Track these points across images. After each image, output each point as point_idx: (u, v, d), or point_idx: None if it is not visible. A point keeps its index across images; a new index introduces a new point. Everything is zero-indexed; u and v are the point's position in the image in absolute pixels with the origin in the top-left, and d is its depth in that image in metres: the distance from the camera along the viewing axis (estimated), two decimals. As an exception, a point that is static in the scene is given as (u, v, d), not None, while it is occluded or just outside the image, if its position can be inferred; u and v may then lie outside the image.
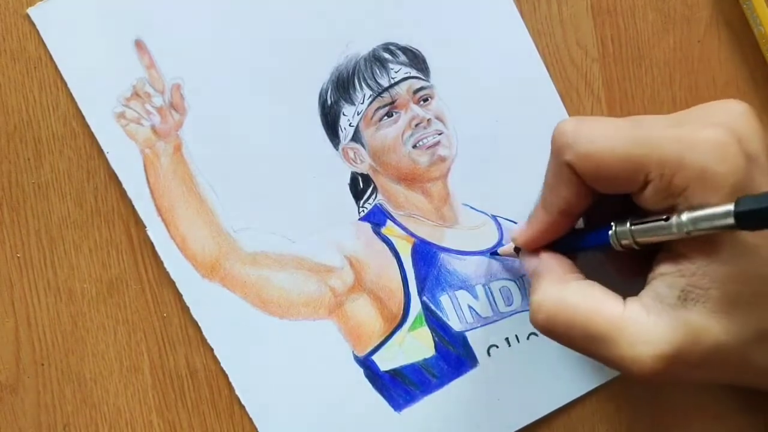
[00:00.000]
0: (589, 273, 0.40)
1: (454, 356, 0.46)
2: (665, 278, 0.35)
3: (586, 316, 0.37)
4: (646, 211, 0.36)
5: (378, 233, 0.46)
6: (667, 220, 0.34)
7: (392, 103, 0.46)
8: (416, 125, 0.46)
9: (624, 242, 0.37)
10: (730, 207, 0.32)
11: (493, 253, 0.46)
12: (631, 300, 0.37)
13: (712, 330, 0.34)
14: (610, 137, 0.36)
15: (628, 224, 0.37)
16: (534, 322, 0.39)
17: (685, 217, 0.34)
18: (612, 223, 0.37)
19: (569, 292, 0.38)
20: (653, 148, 0.34)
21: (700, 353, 0.34)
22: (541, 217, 0.40)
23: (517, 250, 0.43)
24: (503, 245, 0.46)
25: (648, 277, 0.37)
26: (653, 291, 0.36)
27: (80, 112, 0.45)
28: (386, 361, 0.46)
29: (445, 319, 0.46)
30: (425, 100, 0.46)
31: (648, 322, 0.35)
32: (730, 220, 0.32)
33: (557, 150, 0.37)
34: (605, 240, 0.38)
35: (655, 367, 0.35)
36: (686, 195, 0.34)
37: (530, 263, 0.41)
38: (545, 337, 0.39)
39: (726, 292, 0.34)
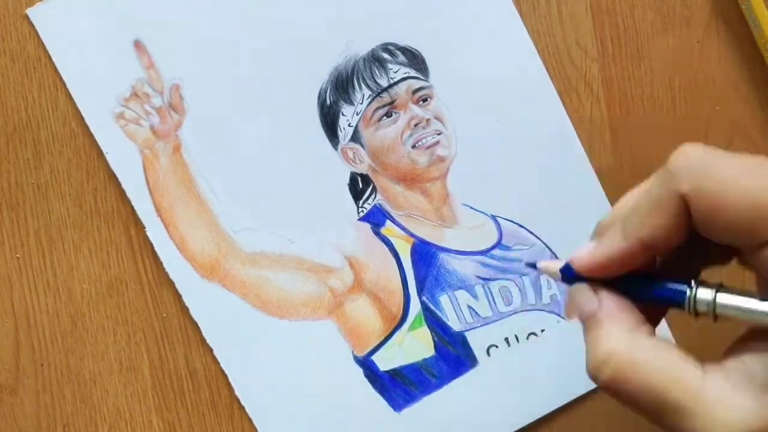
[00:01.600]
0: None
1: (453, 356, 0.46)
2: (761, 356, 0.31)
3: (661, 382, 0.31)
4: (747, 267, 0.32)
5: (377, 233, 0.46)
6: (763, 300, 0.30)
7: (391, 103, 0.46)
8: (415, 125, 0.46)
9: (701, 310, 0.32)
10: None
11: (530, 264, 0.39)
12: (712, 369, 0.32)
13: None
14: (741, 177, 0.30)
15: (713, 293, 0.31)
16: (595, 378, 0.33)
17: None
18: (691, 283, 0.32)
19: (642, 350, 0.32)
20: None
21: None
22: (616, 241, 0.33)
23: (566, 275, 0.35)
24: (503, 245, 0.46)
25: (734, 347, 0.33)
26: (743, 365, 0.31)
27: (79, 112, 0.45)
28: (386, 361, 0.46)
29: (444, 319, 0.46)
30: (424, 100, 0.46)
31: (732, 400, 0.31)
32: None
33: (674, 174, 0.31)
34: (678, 298, 0.32)
35: None
36: None
37: (588, 302, 0.34)
38: (609, 394, 0.33)
39: None
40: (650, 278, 0.33)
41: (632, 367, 0.32)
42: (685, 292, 0.32)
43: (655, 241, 0.32)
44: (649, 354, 0.32)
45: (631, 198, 0.34)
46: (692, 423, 0.31)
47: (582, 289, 0.35)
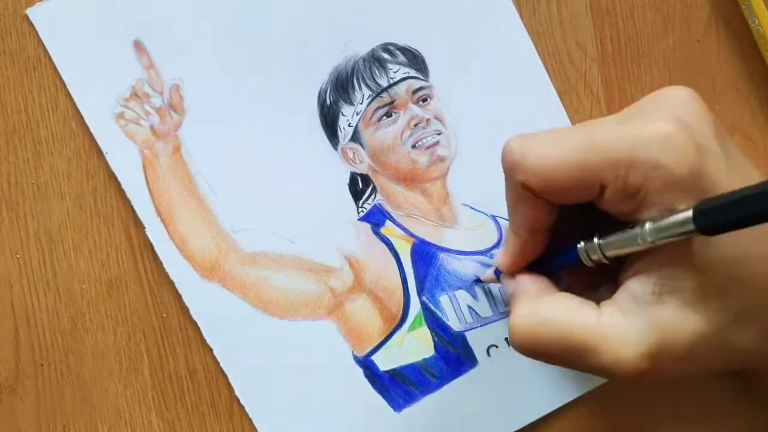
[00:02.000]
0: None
1: (453, 356, 0.46)
2: (638, 277, 0.35)
3: (562, 331, 0.36)
4: (611, 215, 0.36)
5: (377, 233, 0.46)
6: (632, 228, 0.34)
7: (391, 103, 0.46)
8: (415, 125, 0.46)
9: (594, 258, 0.36)
10: (689, 214, 0.32)
11: (476, 280, 0.46)
12: (605, 305, 0.36)
13: (690, 321, 0.34)
14: (557, 150, 0.35)
15: (595, 240, 0.36)
16: (512, 344, 0.38)
17: (648, 227, 0.33)
18: (580, 242, 0.37)
19: (542, 308, 0.37)
20: (602, 151, 0.34)
21: (682, 346, 0.34)
22: (512, 240, 0.39)
23: (498, 276, 0.43)
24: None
25: (620, 279, 0.36)
26: (627, 292, 0.35)
27: (79, 112, 0.45)
28: (386, 361, 0.46)
29: (444, 319, 0.46)
30: (424, 100, 0.46)
31: (626, 325, 0.35)
32: (691, 226, 0.32)
33: (508, 171, 0.37)
34: (575, 258, 0.37)
35: (639, 368, 0.34)
36: (644, 192, 0.33)
37: (508, 287, 0.40)
38: (525, 356, 0.38)
39: (699, 281, 0.34)
40: (553, 253, 0.39)
41: (535, 325, 0.36)
42: (576, 251, 0.37)
43: (536, 225, 0.38)
44: (548, 309, 0.37)
45: None
46: (598, 358, 0.35)
47: (504, 278, 0.41)
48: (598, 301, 0.37)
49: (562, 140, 0.35)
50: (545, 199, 0.36)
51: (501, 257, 0.40)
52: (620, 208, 0.35)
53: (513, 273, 0.40)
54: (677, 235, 0.33)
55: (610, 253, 0.36)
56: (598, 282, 0.39)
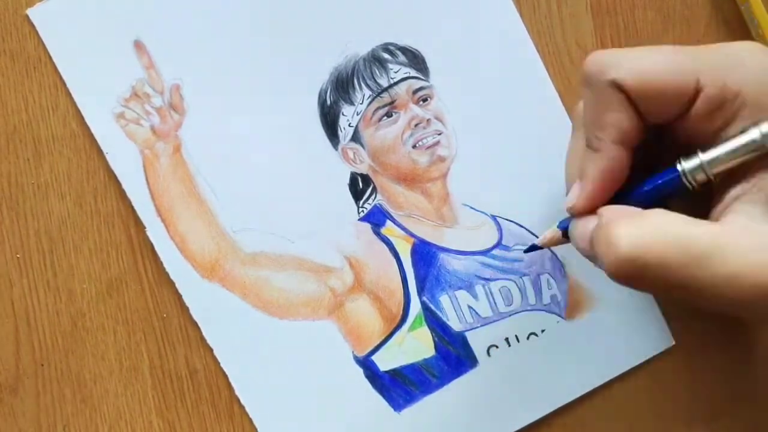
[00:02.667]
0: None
1: (453, 356, 0.46)
2: (742, 200, 0.33)
3: (680, 236, 0.31)
4: (695, 144, 0.34)
5: (377, 233, 0.46)
6: (740, 135, 0.32)
7: (392, 103, 0.46)
8: (416, 125, 0.46)
9: (699, 177, 0.34)
10: None
11: (530, 248, 0.42)
12: (724, 215, 0.33)
13: None
14: (653, 52, 0.34)
15: (700, 155, 0.33)
16: (618, 269, 0.32)
17: (765, 128, 0.32)
18: (678, 161, 0.34)
19: (653, 220, 0.32)
20: (701, 56, 0.33)
21: None
22: (594, 161, 0.35)
23: (564, 231, 0.38)
24: (503, 245, 0.46)
25: (718, 211, 0.34)
26: (736, 214, 0.33)
27: (80, 112, 0.45)
28: (386, 361, 0.46)
29: (444, 319, 0.46)
30: (425, 100, 0.46)
31: (751, 231, 0.32)
32: None
33: (597, 73, 0.34)
34: (675, 181, 0.34)
35: (762, 281, 0.31)
36: (741, 98, 0.32)
37: (586, 225, 0.35)
38: (626, 283, 0.33)
39: None
40: (642, 183, 0.35)
41: (650, 238, 0.32)
42: (677, 171, 0.34)
43: (623, 135, 0.34)
44: (661, 219, 0.32)
45: (572, 148, 0.38)
46: (725, 262, 0.31)
47: (577, 223, 0.36)
48: None
49: (656, 48, 0.34)
50: (634, 106, 0.34)
51: (581, 191, 0.36)
52: (708, 123, 0.33)
53: (592, 209, 0.36)
54: None
55: (718, 168, 0.33)
56: None
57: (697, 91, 0.33)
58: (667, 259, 0.31)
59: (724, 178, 0.34)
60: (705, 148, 0.34)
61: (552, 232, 0.39)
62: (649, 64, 0.33)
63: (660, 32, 0.46)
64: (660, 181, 0.35)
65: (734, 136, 0.33)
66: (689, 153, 0.34)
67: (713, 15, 0.46)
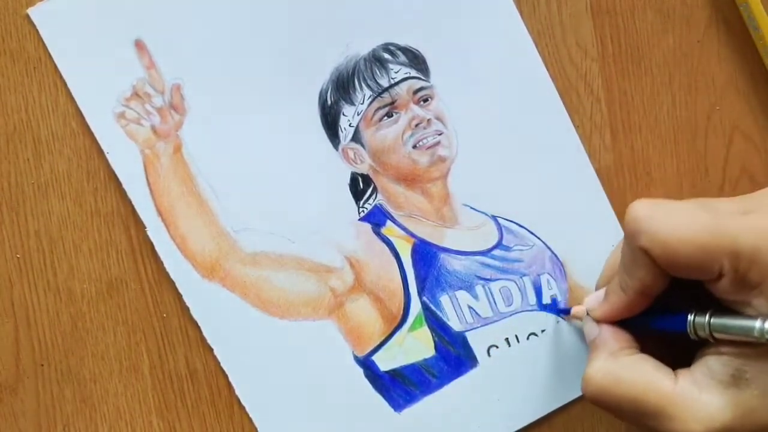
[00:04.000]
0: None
1: (453, 356, 0.46)
2: (721, 356, 0.36)
3: (636, 392, 0.38)
4: (719, 300, 0.37)
5: (378, 233, 0.46)
6: (749, 318, 0.35)
7: (392, 103, 0.46)
8: (416, 125, 0.46)
9: (701, 334, 0.37)
10: None
11: (562, 311, 0.46)
12: (682, 374, 0.38)
13: (763, 412, 0.35)
14: (684, 225, 0.36)
15: (707, 317, 0.37)
16: (585, 393, 0.40)
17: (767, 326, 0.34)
18: (691, 313, 0.38)
19: (620, 366, 0.39)
20: (728, 239, 0.35)
21: (749, 430, 0.36)
22: (618, 297, 0.40)
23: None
24: (503, 245, 0.46)
25: (701, 350, 0.38)
26: (706, 367, 0.37)
27: (80, 112, 0.45)
28: (386, 361, 0.46)
29: (445, 319, 0.46)
30: (425, 100, 0.46)
31: (700, 400, 0.36)
32: None
33: (631, 234, 0.37)
34: (680, 328, 0.38)
35: None
36: (761, 289, 0.34)
37: (591, 332, 0.42)
38: (597, 403, 0.40)
39: None
40: (656, 316, 0.40)
41: (611, 381, 0.39)
42: (683, 321, 0.38)
43: (646, 288, 0.38)
44: (627, 368, 0.39)
45: (616, 252, 0.42)
46: (669, 424, 0.37)
47: (588, 321, 0.42)
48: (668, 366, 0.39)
49: (689, 216, 0.36)
50: (662, 268, 0.37)
51: (600, 308, 0.42)
52: (731, 296, 0.36)
53: (604, 321, 0.42)
54: None
55: (719, 335, 0.36)
56: (672, 351, 0.40)
57: (720, 274, 0.35)
58: (622, 407, 0.38)
59: None
60: (717, 313, 0.37)
61: (582, 311, 0.44)
62: (677, 240, 0.35)
63: (660, 32, 0.46)
64: (667, 325, 0.39)
65: (744, 316, 0.35)
66: (703, 307, 0.37)
67: (713, 15, 0.46)
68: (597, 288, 0.45)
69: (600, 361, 0.40)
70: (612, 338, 0.41)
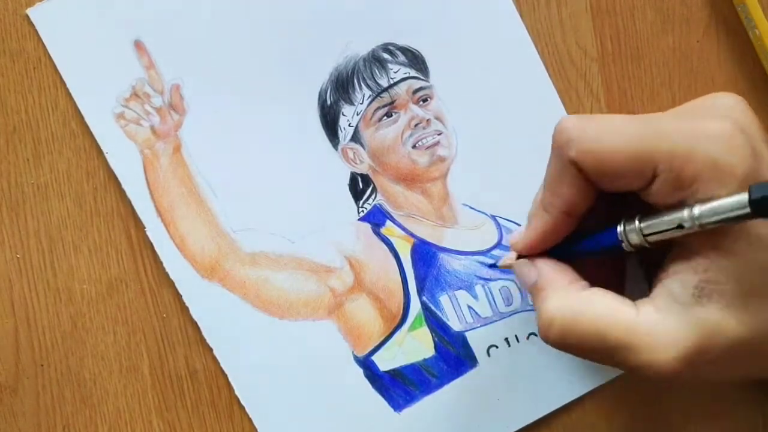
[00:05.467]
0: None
1: (453, 356, 0.46)
2: (678, 276, 0.35)
3: (599, 326, 0.35)
4: (650, 209, 0.35)
5: (377, 233, 0.46)
6: (678, 210, 0.34)
7: (392, 103, 0.46)
8: (416, 125, 0.46)
9: (634, 241, 0.36)
10: (744, 196, 0.31)
11: (491, 265, 0.46)
12: (643, 303, 0.36)
13: (729, 325, 0.34)
14: (615, 132, 0.35)
15: (636, 222, 0.36)
16: (546, 338, 0.37)
17: (697, 210, 0.33)
18: (620, 223, 0.36)
19: (577, 302, 0.37)
20: (661, 140, 0.34)
21: (719, 349, 0.34)
22: (542, 219, 0.38)
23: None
24: (503, 245, 0.46)
25: (657, 277, 0.36)
26: (666, 290, 0.35)
27: (79, 112, 0.45)
28: (386, 361, 0.46)
29: (444, 319, 0.46)
30: (425, 100, 0.46)
31: (664, 324, 0.34)
32: (746, 210, 0.31)
33: (560, 147, 0.36)
34: (613, 241, 0.36)
35: (675, 369, 0.34)
36: (695, 187, 0.33)
37: (528, 275, 0.40)
38: (557, 350, 0.38)
39: (741, 285, 0.34)
40: (585, 236, 0.38)
41: (574, 319, 0.36)
42: (614, 234, 0.36)
43: (570, 207, 0.37)
44: (585, 304, 0.36)
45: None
46: (635, 356, 0.35)
47: (521, 264, 0.40)
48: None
49: (620, 124, 0.35)
50: (589, 183, 0.36)
51: (523, 237, 0.40)
52: (666, 201, 0.34)
53: (532, 255, 0.40)
54: (728, 220, 0.32)
55: (652, 237, 0.35)
56: (613, 279, 0.39)
57: (654, 176, 0.34)
58: (585, 344, 0.36)
59: (677, 248, 0.36)
60: (645, 217, 0.35)
61: (510, 257, 0.42)
62: (608, 146, 0.34)
63: (660, 32, 0.46)
64: (599, 241, 0.38)
65: (673, 210, 0.34)
66: (633, 216, 0.36)
67: (713, 15, 0.46)
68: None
69: (556, 299, 0.37)
70: (557, 273, 0.38)
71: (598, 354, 0.36)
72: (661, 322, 0.35)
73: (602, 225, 0.37)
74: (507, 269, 0.45)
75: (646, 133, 0.34)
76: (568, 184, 0.36)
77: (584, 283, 0.38)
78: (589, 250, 0.39)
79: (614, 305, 0.36)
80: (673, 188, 0.34)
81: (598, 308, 0.36)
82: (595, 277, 0.39)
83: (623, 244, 0.36)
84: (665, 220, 0.34)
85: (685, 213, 0.33)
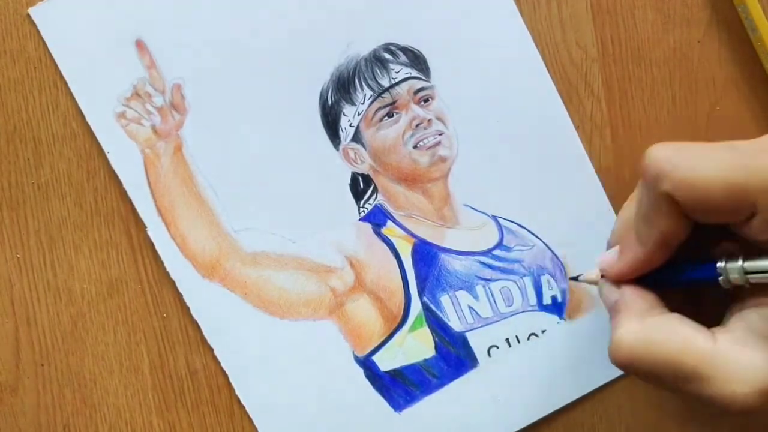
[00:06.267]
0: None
1: (454, 356, 0.46)
2: (758, 309, 0.34)
3: (673, 353, 0.34)
4: (745, 241, 0.35)
5: (378, 233, 0.46)
6: None
7: (393, 103, 0.46)
8: (417, 125, 0.46)
9: (735, 280, 0.35)
10: None
11: (573, 277, 0.45)
12: (720, 332, 0.35)
13: None
14: (712, 164, 0.33)
15: (740, 260, 0.34)
16: (615, 361, 0.36)
17: None
18: (722, 259, 0.35)
19: (653, 327, 0.36)
20: (760, 174, 0.32)
21: None
22: (635, 250, 0.37)
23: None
24: (504, 246, 0.46)
25: (732, 307, 0.36)
26: (745, 322, 0.34)
27: (80, 112, 0.45)
28: (386, 361, 0.46)
29: (445, 319, 0.46)
30: (426, 100, 0.46)
31: (743, 357, 0.33)
32: None
33: (653, 179, 0.34)
34: (710, 275, 0.35)
35: (752, 402, 0.33)
36: None
37: (610, 296, 0.38)
38: (624, 372, 0.37)
39: None
40: (681, 267, 0.37)
41: (645, 344, 0.35)
42: (715, 268, 0.35)
43: (667, 239, 0.35)
44: (660, 329, 0.35)
45: (630, 206, 0.38)
46: (710, 386, 0.33)
47: (606, 285, 0.39)
48: None
49: (716, 155, 0.33)
50: (685, 215, 0.34)
51: (616, 264, 0.38)
52: (765, 236, 0.33)
53: (621, 280, 0.38)
54: None
55: (755, 278, 0.34)
56: (690, 304, 0.38)
57: (753, 213, 0.33)
58: (657, 371, 0.35)
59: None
60: (749, 255, 0.34)
61: (595, 274, 0.41)
62: (707, 180, 0.33)
63: (660, 32, 0.46)
64: (695, 275, 0.36)
65: None
66: (733, 252, 0.35)
67: (713, 16, 0.46)
68: (609, 247, 0.41)
69: (630, 322, 0.36)
70: (637, 298, 0.37)
71: (671, 381, 0.35)
72: (740, 353, 0.34)
73: (686, 250, 0.36)
74: (508, 269, 0.45)
75: (743, 166, 0.32)
76: (663, 218, 0.35)
77: (664, 308, 0.37)
78: (682, 281, 0.37)
79: (689, 332, 0.35)
80: None
81: (672, 334, 0.35)
82: (672, 300, 0.38)
83: (722, 282, 0.35)
84: None
85: None
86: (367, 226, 0.46)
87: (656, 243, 0.36)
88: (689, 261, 0.36)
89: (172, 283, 0.45)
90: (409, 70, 0.46)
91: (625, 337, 0.36)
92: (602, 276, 0.40)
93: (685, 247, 0.36)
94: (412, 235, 0.46)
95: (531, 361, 0.46)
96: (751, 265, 0.34)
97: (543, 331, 0.47)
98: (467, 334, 0.46)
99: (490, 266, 0.46)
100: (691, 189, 0.33)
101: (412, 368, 0.46)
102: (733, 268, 0.34)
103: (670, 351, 0.34)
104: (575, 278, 0.45)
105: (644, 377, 0.36)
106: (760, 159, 0.32)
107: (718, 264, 0.35)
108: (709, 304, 0.37)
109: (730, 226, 0.34)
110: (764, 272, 0.34)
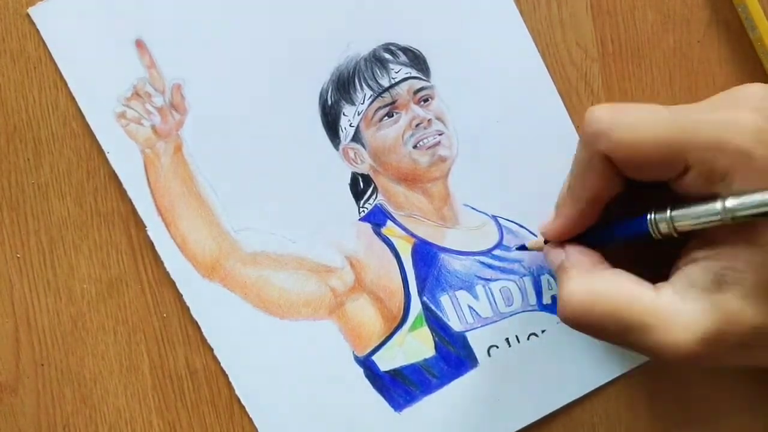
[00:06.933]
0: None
1: (454, 356, 0.46)
2: (699, 263, 0.35)
3: (618, 306, 0.36)
4: (677, 197, 0.36)
5: (378, 233, 0.46)
6: (710, 202, 0.34)
7: (393, 103, 0.46)
8: (417, 125, 0.46)
9: (663, 230, 0.36)
10: None
11: (520, 247, 0.46)
12: (662, 286, 0.36)
13: (747, 313, 0.34)
14: (648, 123, 0.35)
15: (668, 212, 0.36)
16: (563, 317, 0.38)
17: (730, 203, 0.33)
18: (651, 211, 0.37)
19: (599, 282, 0.38)
20: (694, 132, 0.34)
21: (736, 336, 0.34)
22: (569, 207, 0.39)
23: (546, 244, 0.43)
24: (504, 246, 0.46)
25: (676, 264, 0.37)
26: (685, 276, 0.36)
27: (80, 112, 0.45)
28: (386, 361, 0.46)
29: (445, 319, 0.46)
30: (426, 100, 0.46)
31: (683, 307, 0.35)
32: None
33: (591, 138, 0.36)
34: (642, 229, 0.37)
35: (692, 351, 0.35)
36: (728, 180, 0.34)
37: (555, 257, 0.40)
38: (575, 330, 0.38)
39: (761, 276, 0.34)
40: (615, 223, 0.39)
41: (592, 298, 0.37)
42: (646, 219, 0.37)
43: (597, 196, 0.38)
44: (606, 283, 0.37)
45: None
46: (653, 336, 0.35)
47: (551, 248, 0.41)
48: None
49: (651, 115, 0.35)
50: (619, 173, 0.36)
51: (552, 224, 0.40)
52: (697, 192, 0.35)
53: (561, 242, 0.41)
54: (760, 215, 0.33)
55: (682, 226, 0.36)
56: (638, 267, 0.39)
57: (686, 168, 0.34)
58: (604, 323, 0.37)
59: (699, 236, 0.36)
60: (676, 206, 0.36)
61: (539, 241, 0.43)
62: (642, 139, 0.35)
63: (660, 32, 0.46)
64: (626, 229, 0.38)
65: (705, 201, 0.34)
66: (663, 205, 0.36)
67: (713, 16, 0.46)
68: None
69: (577, 280, 0.38)
70: (582, 257, 0.39)
71: (615, 334, 0.37)
72: (681, 304, 0.35)
73: (626, 210, 0.38)
74: (508, 269, 0.45)
75: (679, 124, 0.34)
76: (597, 175, 0.37)
77: (608, 265, 0.39)
78: (616, 236, 0.39)
79: (634, 286, 0.37)
80: (705, 180, 0.34)
81: (617, 288, 0.37)
82: (618, 262, 0.39)
83: (652, 233, 0.37)
84: (697, 212, 0.35)
85: (717, 205, 0.34)
86: (367, 226, 0.46)
87: (588, 200, 0.38)
88: (625, 217, 0.38)
89: (172, 283, 0.45)
90: (408, 70, 0.46)
91: (573, 292, 0.37)
92: (546, 242, 0.42)
93: (627, 208, 0.38)
94: (412, 235, 0.46)
95: (531, 361, 0.46)
96: (677, 213, 0.35)
97: (543, 331, 0.47)
98: (467, 334, 0.46)
99: (490, 266, 0.46)
100: (627, 147, 0.35)
101: (412, 368, 0.46)
102: (661, 218, 0.36)
103: (616, 303, 0.36)
104: (522, 247, 0.46)
105: (591, 331, 0.38)
106: (692, 116, 0.34)
107: (648, 216, 0.37)
108: (658, 266, 0.38)
109: (668, 183, 0.36)
110: (690, 222, 0.35)
